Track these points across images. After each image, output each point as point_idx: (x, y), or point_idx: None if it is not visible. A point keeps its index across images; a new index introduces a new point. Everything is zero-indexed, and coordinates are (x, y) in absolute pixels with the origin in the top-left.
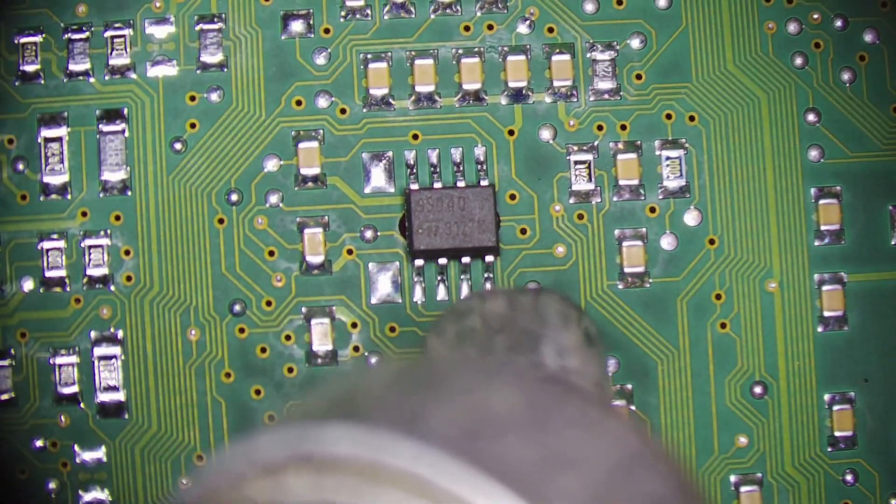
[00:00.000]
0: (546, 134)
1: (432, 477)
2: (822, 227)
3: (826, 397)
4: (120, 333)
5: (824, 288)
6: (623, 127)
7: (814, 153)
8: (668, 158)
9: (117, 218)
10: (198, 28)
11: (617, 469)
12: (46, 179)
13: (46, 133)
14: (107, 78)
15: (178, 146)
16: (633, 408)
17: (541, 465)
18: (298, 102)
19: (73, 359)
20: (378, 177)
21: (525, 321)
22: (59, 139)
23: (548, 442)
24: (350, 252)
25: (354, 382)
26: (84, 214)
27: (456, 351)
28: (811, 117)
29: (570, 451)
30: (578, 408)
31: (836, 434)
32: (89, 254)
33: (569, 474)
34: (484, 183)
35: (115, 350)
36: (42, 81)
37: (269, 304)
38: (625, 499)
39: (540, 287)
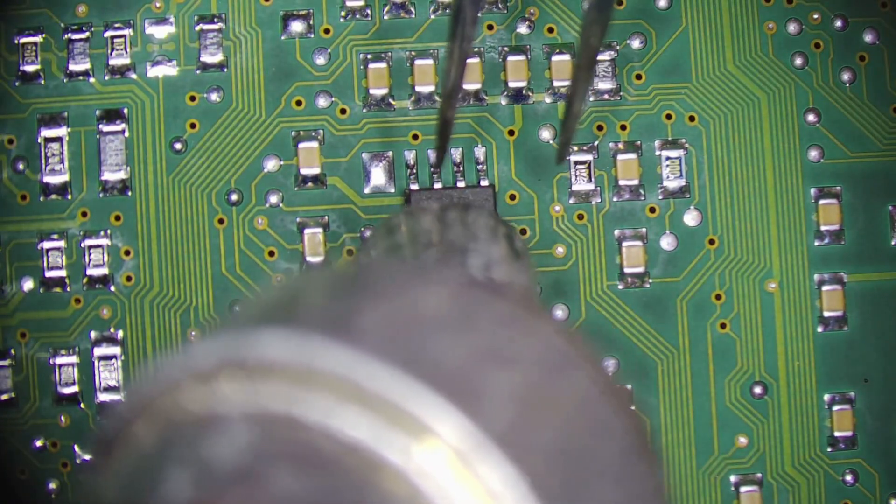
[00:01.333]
0: (546, 134)
1: (363, 382)
2: (822, 228)
3: (826, 397)
4: (120, 333)
5: (824, 288)
6: (623, 127)
7: (814, 153)
8: (668, 158)
9: (117, 218)
10: (198, 28)
11: (547, 368)
12: (46, 179)
13: (46, 133)
14: (107, 78)
15: (178, 146)
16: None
17: (471, 365)
18: (298, 102)
19: (73, 359)
20: (378, 177)
21: (453, 235)
22: (59, 139)
23: (478, 341)
24: (350, 252)
25: (290, 288)
26: (84, 214)
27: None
28: (811, 117)
29: (501, 350)
30: (507, 308)
31: (836, 434)
32: (89, 254)
33: (500, 373)
34: (484, 183)
35: (115, 350)
36: (42, 81)
37: None
38: (556, 397)
39: (469, 202)
